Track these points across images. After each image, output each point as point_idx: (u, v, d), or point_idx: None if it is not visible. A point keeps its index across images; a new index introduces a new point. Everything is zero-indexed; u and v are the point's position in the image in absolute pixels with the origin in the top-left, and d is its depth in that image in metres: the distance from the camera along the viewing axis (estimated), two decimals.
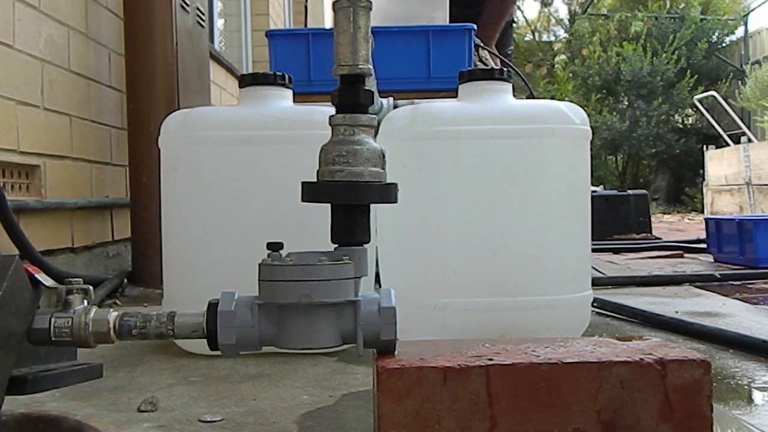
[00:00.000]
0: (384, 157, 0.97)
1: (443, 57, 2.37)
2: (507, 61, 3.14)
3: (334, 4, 0.97)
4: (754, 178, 7.02)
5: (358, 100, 0.96)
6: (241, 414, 1.08)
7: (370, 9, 0.96)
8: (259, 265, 0.93)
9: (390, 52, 2.27)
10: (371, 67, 0.97)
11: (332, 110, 1.00)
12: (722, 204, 7.58)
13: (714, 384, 0.83)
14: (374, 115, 0.99)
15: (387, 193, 0.97)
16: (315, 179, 0.98)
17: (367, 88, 0.97)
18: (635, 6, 14.59)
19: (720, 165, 7.77)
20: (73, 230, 2.36)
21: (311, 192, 0.97)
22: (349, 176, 0.94)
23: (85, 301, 0.92)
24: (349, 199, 0.95)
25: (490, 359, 0.82)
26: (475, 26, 2.46)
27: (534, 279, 1.45)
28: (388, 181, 0.99)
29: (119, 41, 2.70)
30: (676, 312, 1.88)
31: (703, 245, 3.69)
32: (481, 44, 2.64)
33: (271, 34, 2.44)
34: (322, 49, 2.32)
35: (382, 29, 2.24)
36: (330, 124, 0.97)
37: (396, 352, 0.89)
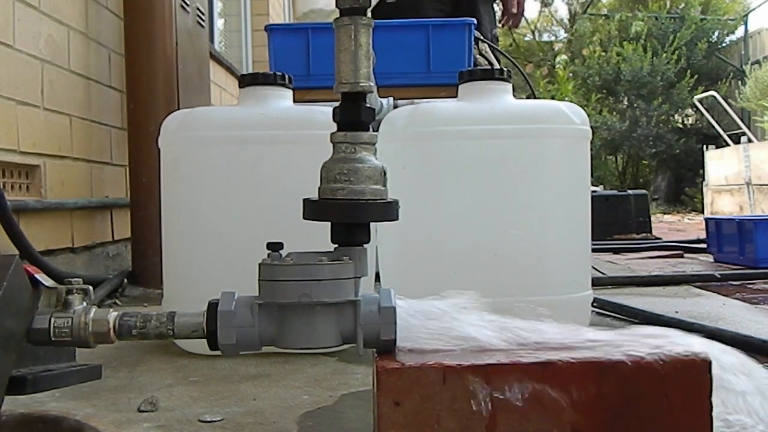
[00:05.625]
0: (385, 174, 0.97)
1: (443, 51, 2.37)
2: (510, 57, 3.14)
3: (335, 21, 0.97)
4: (754, 178, 7.02)
5: (360, 118, 0.97)
6: (241, 414, 1.08)
7: (372, 27, 0.97)
8: (259, 265, 0.93)
9: (389, 47, 2.26)
10: (372, 84, 0.98)
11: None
12: (722, 204, 7.58)
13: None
14: (375, 133, 1.00)
15: (388, 211, 0.98)
16: (316, 196, 0.98)
17: (368, 105, 0.98)
18: (635, 6, 14.59)
19: (720, 165, 7.76)
20: (73, 230, 2.36)
21: (312, 210, 0.97)
22: (350, 194, 0.94)
23: (85, 301, 0.92)
24: (351, 218, 0.96)
25: (490, 359, 0.82)
26: (474, 20, 2.46)
27: (534, 279, 1.45)
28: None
29: (119, 41, 2.70)
30: (676, 312, 1.88)
31: (703, 245, 3.69)
32: (481, 38, 2.64)
33: (270, 28, 2.44)
34: (321, 43, 2.32)
35: (382, 24, 2.25)
36: (331, 141, 0.98)
37: (396, 351, 0.89)
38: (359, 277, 0.94)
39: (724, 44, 13.96)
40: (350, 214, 0.95)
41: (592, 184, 3.33)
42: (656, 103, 12.88)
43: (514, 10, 3.09)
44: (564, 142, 1.50)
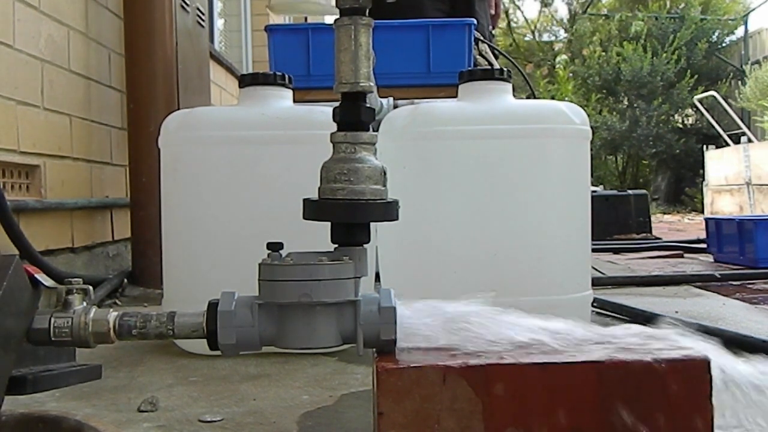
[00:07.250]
0: (385, 174, 0.97)
1: (443, 51, 2.37)
2: (510, 57, 3.15)
3: (335, 21, 0.97)
4: (754, 178, 7.02)
5: (360, 118, 0.97)
6: (241, 414, 1.08)
7: (372, 27, 0.97)
8: (259, 265, 0.93)
9: (389, 47, 2.26)
10: (372, 84, 0.98)
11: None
12: (722, 204, 7.58)
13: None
14: (375, 133, 0.99)
15: (388, 211, 0.98)
16: (316, 195, 0.98)
17: (368, 105, 0.98)
18: (635, 6, 14.60)
19: (720, 165, 7.76)
20: (73, 230, 2.36)
21: (312, 210, 0.97)
22: (350, 194, 0.94)
23: (85, 301, 0.92)
24: (351, 218, 0.96)
25: (490, 359, 0.82)
26: (474, 21, 2.46)
27: (534, 279, 1.45)
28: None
29: (119, 41, 2.70)
30: (676, 312, 1.88)
31: (703, 245, 3.69)
32: (481, 38, 2.64)
33: (270, 29, 2.44)
34: (321, 43, 2.32)
35: (382, 24, 2.25)
36: (331, 141, 0.98)
37: (396, 351, 0.89)
38: (359, 277, 0.94)
39: (724, 44, 13.96)
40: (350, 214, 0.95)
41: (592, 184, 3.33)
42: (656, 103, 12.89)
43: (492, 11, 3.13)
44: (564, 142, 1.50)
